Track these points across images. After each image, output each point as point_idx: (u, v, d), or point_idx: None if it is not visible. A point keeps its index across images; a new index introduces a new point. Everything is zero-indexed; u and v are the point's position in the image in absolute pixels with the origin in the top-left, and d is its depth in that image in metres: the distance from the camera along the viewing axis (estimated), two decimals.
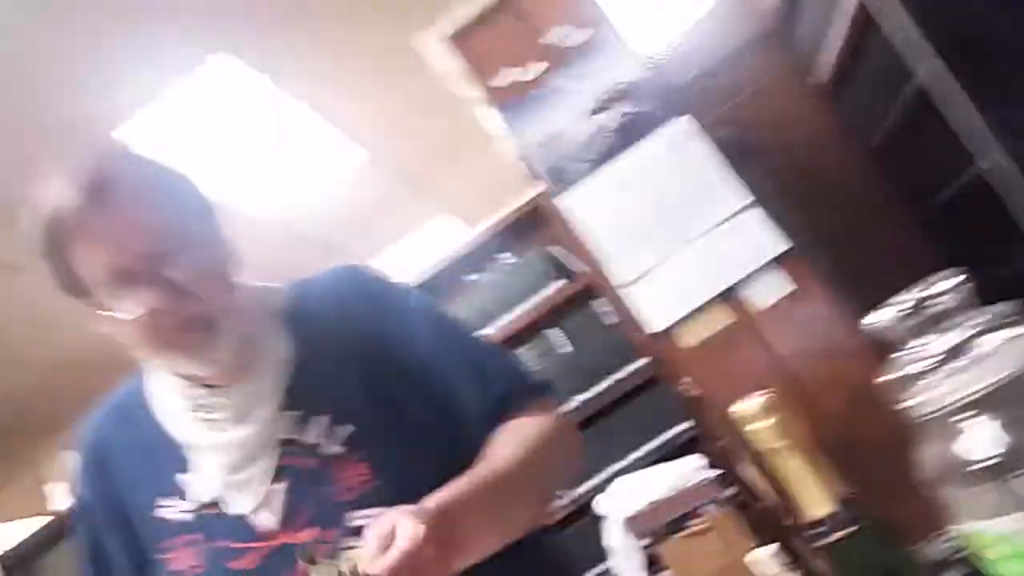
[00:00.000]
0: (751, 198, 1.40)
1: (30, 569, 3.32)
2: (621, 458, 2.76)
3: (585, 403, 2.75)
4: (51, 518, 3.42)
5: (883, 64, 1.46)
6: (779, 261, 1.38)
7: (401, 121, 3.67)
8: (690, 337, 1.35)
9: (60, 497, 3.51)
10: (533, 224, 3.11)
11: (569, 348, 2.90)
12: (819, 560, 0.69)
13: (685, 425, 2.77)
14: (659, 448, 2.77)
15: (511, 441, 0.92)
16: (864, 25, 1.41)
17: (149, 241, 0.85)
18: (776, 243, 1.38)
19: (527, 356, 2.86)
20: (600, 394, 2.80)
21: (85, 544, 1.01)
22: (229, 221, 0.99)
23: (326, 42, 3.06)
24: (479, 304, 2.94)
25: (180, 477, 0.94)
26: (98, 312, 0.89)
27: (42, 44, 2.41)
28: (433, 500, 0.77)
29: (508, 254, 3.09)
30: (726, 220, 1.38)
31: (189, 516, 0.93)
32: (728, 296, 1.38)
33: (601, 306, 2.90)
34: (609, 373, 2.84)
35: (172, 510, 0.93)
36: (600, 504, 2.35)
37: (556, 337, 2.94)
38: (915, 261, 1.62)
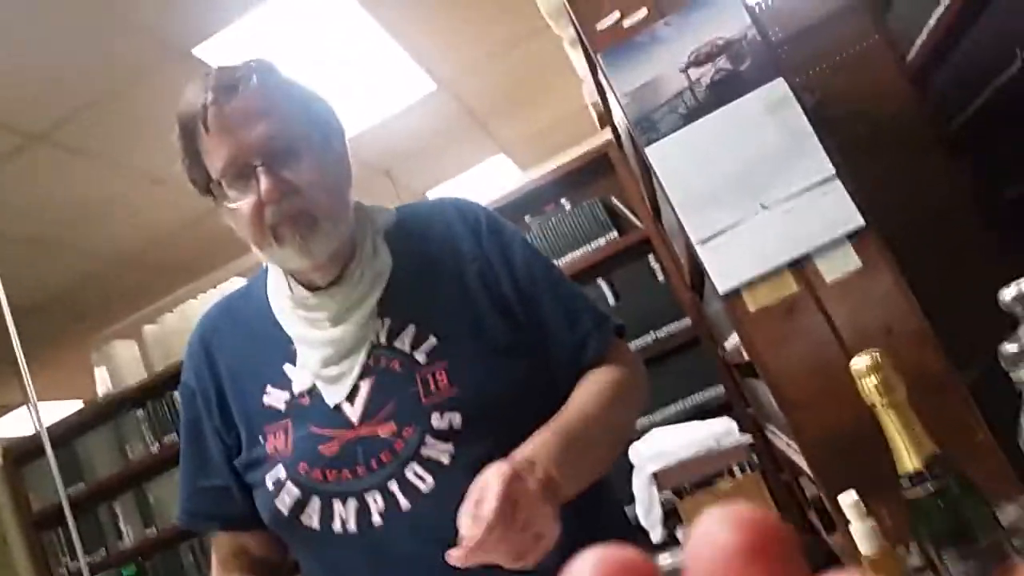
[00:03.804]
0: (833, 170, 1.40)
1: (72, 444, 3.50)
2: (652, 412, 2.83)
3: None
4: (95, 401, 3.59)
5: (978, 51, 1.45)
6: (851, 237, 1.39)
7: (477, 59, 3.66)
8: (753, 301, 1.37)
9: (104, 382, 3.63)
10: (595, 173, 3.12)
11: (614, 301, 2.95)
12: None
13: (720, 389, 2.83)
14: (691, 409, 2.84)
15: (596, 391, 0.99)
16: (964, 9, 1.40)
17: (269, 137, 0.91)
18: (851, 218, 1.38)
19: None
20: (642, 348, 2.86)
21: (185, 425, 1.09)
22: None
23: None
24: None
25: (286, 368, 1.01)
26: (220, 204, 0.96)
27: None
28: (531, 452, 0.84)
29: (566, 201, 3.11)
30: (806, 189, 1.38)
31: (288, 403, 1.00)
32: (797, 265, 1.39)
33: (653, 262, 2.94)
34: (652, 329, 2.89)
35: (275, 397, 1.00)
36: (632, 453, 2.42)
37: (604, 288, 2.98)
38: (986, 252, 1.63)
